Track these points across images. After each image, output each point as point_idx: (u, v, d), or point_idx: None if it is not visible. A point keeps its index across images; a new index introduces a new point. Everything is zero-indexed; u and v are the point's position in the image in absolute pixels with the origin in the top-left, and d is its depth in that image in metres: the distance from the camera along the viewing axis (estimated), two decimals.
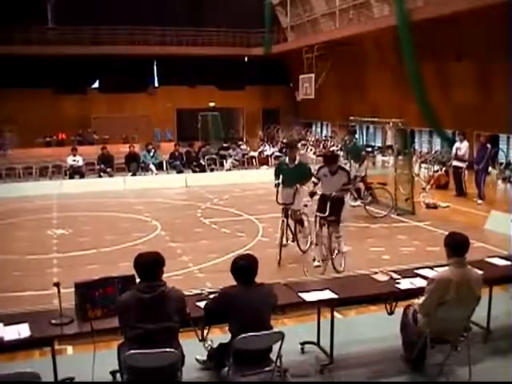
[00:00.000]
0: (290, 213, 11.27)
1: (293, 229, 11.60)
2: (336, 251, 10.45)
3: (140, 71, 38.27)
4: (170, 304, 5.30)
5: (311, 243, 11.07)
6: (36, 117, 35.17)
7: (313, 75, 31.84)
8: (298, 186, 11.07)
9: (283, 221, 11.23)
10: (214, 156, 26.15)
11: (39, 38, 34.74)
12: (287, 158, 11.58)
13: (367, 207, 15.53)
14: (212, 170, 24.94)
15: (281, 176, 11.34)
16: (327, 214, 10.08)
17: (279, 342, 5.53)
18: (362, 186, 15.93)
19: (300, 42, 34.77)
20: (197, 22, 35.78)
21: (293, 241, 11.65)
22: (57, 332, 5.73)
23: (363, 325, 7.81)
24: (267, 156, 27.22)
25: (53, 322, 5.77)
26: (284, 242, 11.37)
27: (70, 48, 34.41)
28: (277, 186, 11.23)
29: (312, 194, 10.54)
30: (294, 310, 7.05)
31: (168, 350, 5.13)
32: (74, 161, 23.21)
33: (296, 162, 11.28)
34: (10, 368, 5.09)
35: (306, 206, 11.35)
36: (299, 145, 32.50)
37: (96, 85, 39.24)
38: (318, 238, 10.40)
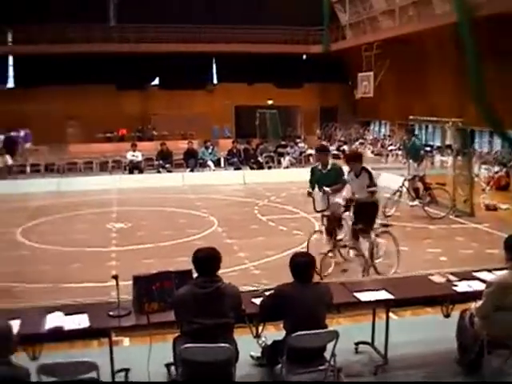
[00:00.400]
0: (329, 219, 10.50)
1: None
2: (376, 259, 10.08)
3: (199, 69, 38.57)
4: (225, 300, 5.34)
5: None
6: (98, 113, 35.82)
7: (372, 73, 31.52)
8: (328, 189, 10.32)
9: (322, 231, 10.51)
10: (271, 153, 26.18)
11: (102, 37, 35.45)
12: (319, 164, 10.81)
13: (425, 207, 15.30)
14: (269, 168, 24.97)
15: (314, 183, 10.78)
16: (353, 221, 9.89)
17: (333, 341, 5.51)
18: (420, 185, 15.66)
19: (359, 39, 34.48)
20: (256, 20, 35.79)
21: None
22: (114, 324, 5.85)
23: (418, 326, 7.71)
24: None
25: (111, 313, 5.89)
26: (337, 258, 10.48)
27: (131, 46, 34.98)
28: (309, 194, 10.50)
29: (348, 201, 10.14)
30: (349, 310, 7.00)
31: (223, 345, 5.17)
32: (134, 156, 23.58)
33: (329, 167, 10.63)
34: (69, 356, 5.24)
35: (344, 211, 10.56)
36: (357, 143, 32.34)
37: (156, 82, 39.72)
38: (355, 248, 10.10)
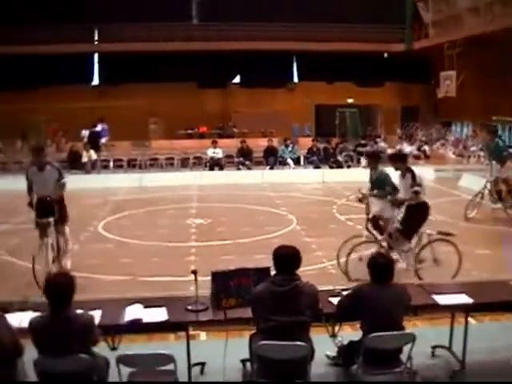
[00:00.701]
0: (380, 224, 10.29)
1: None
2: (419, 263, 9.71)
3: (280, 67, 38.52)
4: (303, 298, 5.33)
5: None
6: (179, 110, 36.32)
7: (454, 72, 30.81)
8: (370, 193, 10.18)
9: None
10: (351, 153, 25.96)
11: (184, 35, 36.03)
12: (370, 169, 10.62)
13: (508, 210, 14.78)
14: (349, 167, 24.76)
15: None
16: (400, 223, 9.67)
17: (410, 344, 5.42)
18: (503, 187, 15.14)
19: (442, 37, 33.65)
20: (337, 18, 35.49)
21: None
22: (192, 318, 5.93)
23: (498, 332, 7.47)
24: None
25: (189, 308, 5.97)
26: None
27: (212, 44, 35.35)
28: (361, 199, 10.36)
29: (397, 202, 9.85)
30: (426, 312, 6.88)
31: (299, 343, 5.16)
32: (214, 153, 23.83)
33: (377, 173, 10.34)
34: (147, 348, 5.33)
35: None
36: (438, 144, 31.63)
37: (237, 80, 39.97)
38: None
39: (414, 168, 10.12)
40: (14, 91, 36.76)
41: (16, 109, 34.27)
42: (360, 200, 10.35)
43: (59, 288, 5.02)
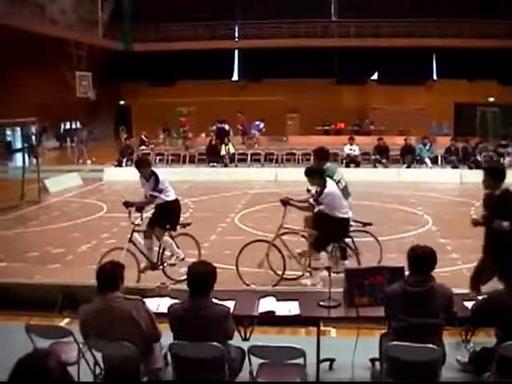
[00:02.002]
0: None
1: None
2: None
3: (419, 64, 37.68)
4: (436, 300, 5.22)
5: None
6: (317, 106, 36.46)
7: None
8: None
9: None
10: (491, 153, 24.95)
11: (323, 31, 36.10)
12: None
13: None
14: None
15: None
16: None
17: None
18: None
19: None
20: (478, 13, 34.07)
21: None
22: (324, 314, 5.95)
23: None
24: None
25: (321, 303, 6.00)
26: None
27: (351, 40, 35.17)
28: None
29: None
30: None
31: (431, 346, 5.05)
32: (351, 150, 23.72)
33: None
34: (277, 341, 5.39)
35: None
36: None
37: (375, 76, 39.54)
38: None
39: None
40: (157, 86, 38.39)
41: (158, 102, 35.70)
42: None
43: (200, 277, 5.19)
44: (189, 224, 10.22)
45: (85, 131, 30.94)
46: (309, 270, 9.19)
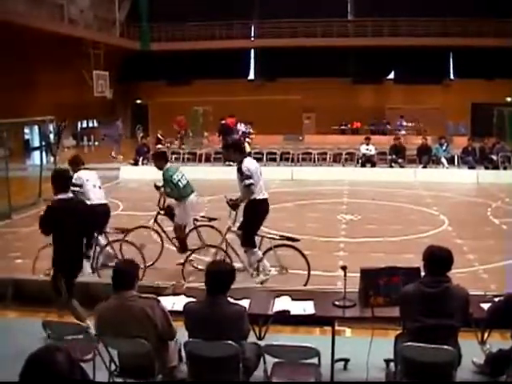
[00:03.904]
0: None
1: None
2: None
3: (436, 63, 37.50)
4: (453, 301, 5.19)
5: None
6: (333, 105, 36.42)
7: None
8: None
9: None
10: (508, 154, 24.76)
11: (339, 30, 36.09)
12: None
13: None
14: (505, 168, 23.63)
15: None
16: None
17: None
18: None
19: None
20: (494, 11, 33.76)
21: None
22: (339, 313, 5.95)
23: None
24: None
25: (336, 303, 5.99)
26: None
27: (368, 40, 35.09)
28: None
29: None
30: None
31: (446, 347, 5.02)
32: (367, 149, 23.65)
33: None
34: (292, 340, 5.40)
35: None
36: None
37: (391, 75, 39.42)
38: None
39: None
40: (173, 85, 38.53)
41: (175, 101, 35.79)
42: None
43: (219, 276, 5.21)
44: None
45: (119, 126, 31.19)
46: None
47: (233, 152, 9.38)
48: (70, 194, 7.38)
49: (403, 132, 31.35)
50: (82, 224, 7.26)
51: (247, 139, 26.05)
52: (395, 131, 31.96)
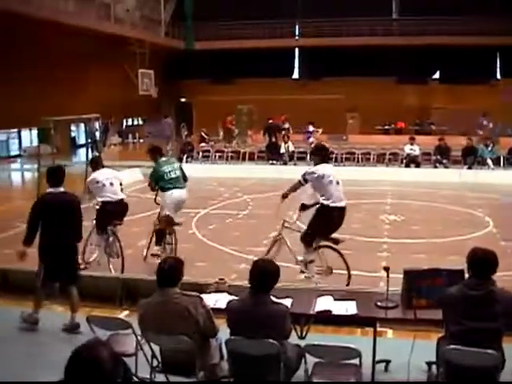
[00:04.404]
0: None
1: None
2: None
3: (482, 62, 36.92)
4: (497, 305, 5.10)
5: None
6: (377, 105, 36.18)
7: None
8: None
9: None
10: None
11: (384, 30, 35.83)
12: None
13: None
14: None
15: None
16: None
17: None
18: None
19: None
20: None
21: None
22: (381, 314, 5.93)
23: None
24: None
25: (378, 304, 5.98)
26: None
27: (412, 38, 34.75)
28: None
29: None
30: None
31: (490, 351, 4.94)
32: (411, 150, 23.43)
33: None
34: (333, 340, 5.40)
35: None
36: None
37: (436, 75, 38.99)
38: None
39: None
40: (217, 83, 38.74)
41: (219, 100, 35.98)
42: None
43: (264, 274, 5.23)
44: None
45: (170, 124, 31.57)
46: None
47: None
48: (61, 189, 7.75)
49: (480, 132, 30.34)
50: (69, 217, 7.66)
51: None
52: (476, 130, 30.74)
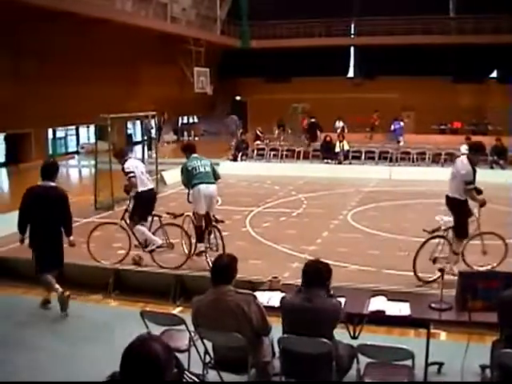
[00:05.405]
0: None
1: None
2: None
3: None
4: None
5: None
6: (433, 104, 35.71)
7: None
8: None
9: None
10: None
11: (440, 28, 35.29)
12: None
13: None
14: None
15: None
16: None
17: None
18: None
19: None
20: None
21: None
22: (434, 316, 5.89)
23: None
24: None
25: (432, 305, 5.94)
26: None
27: (469, 37, 34.16)
28: None
29: None
30: None
31: None
32: (467, 150, 23.04)
33: None
34: (386, 341, 5.40)
35: None
36: None
37: (494, 74, 38.25)
38: None
39: None
40: (273, 82, 38.80)
41: (274, 98, 36.04)
42: None
43: (317, 271, 5.27)
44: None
45: (236, 121, 31.87)
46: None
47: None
48: (51, 183, 8.22)
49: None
50: (54, 210, 8.18)
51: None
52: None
